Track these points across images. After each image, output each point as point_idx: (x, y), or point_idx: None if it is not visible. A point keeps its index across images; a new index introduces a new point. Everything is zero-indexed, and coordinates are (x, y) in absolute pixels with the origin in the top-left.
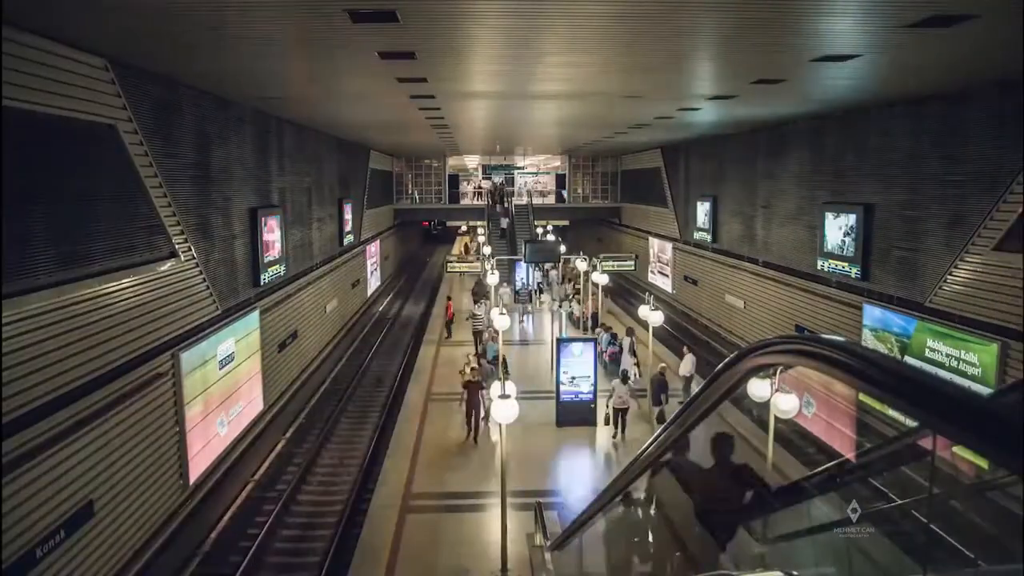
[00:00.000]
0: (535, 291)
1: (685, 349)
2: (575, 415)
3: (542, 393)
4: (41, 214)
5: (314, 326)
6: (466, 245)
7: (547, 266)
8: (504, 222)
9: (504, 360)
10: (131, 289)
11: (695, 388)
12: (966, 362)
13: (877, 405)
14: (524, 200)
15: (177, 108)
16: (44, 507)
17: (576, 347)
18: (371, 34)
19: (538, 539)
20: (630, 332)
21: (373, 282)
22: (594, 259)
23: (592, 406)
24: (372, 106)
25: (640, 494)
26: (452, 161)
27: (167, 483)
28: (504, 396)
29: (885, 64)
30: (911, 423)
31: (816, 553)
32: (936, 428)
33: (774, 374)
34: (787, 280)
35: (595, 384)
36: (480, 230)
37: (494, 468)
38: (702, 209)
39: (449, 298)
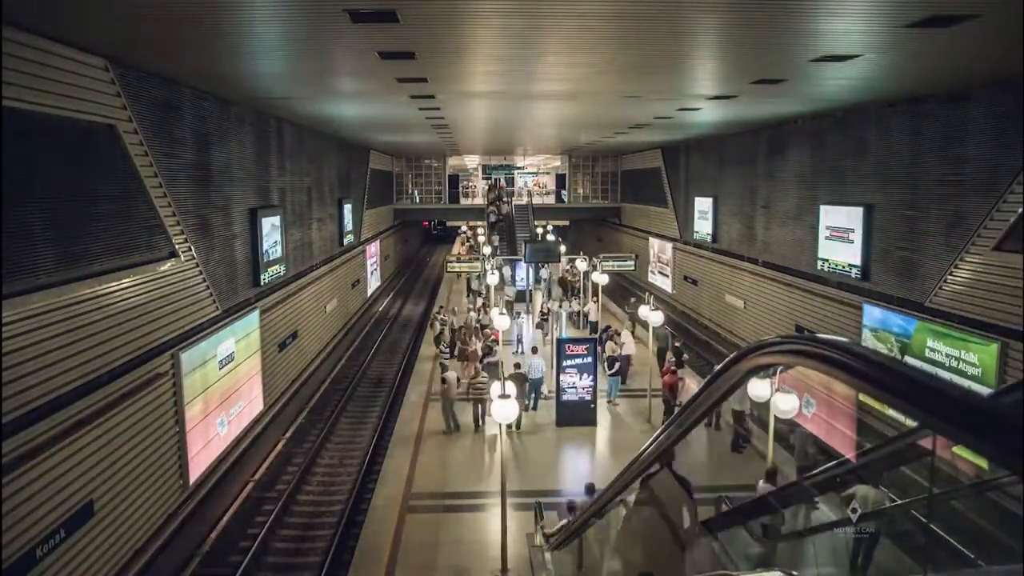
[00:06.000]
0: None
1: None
2: (575, 415)
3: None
4: (41, 214)
5: (314, 326)
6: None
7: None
8: None
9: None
10: (131, 289)
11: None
12: (966, 362)
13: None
14: (524, 200)
15: (177, 108)
16: (44, 507)
17: (576, 347)
18: (371, 34)
19: (538, 539)
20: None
21: (373, 282)
22: (594, 259)
23: (592, 406)
24: (372, 106)
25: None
26: (452, 161)
27: (167, 483)
28: (504, 396)
29: (885, 64)
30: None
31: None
32: (936, 428)
33: (774, 374)
34: (787, 280)
35: (595, 384)
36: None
37: (494, 468)
38: (702, 209)
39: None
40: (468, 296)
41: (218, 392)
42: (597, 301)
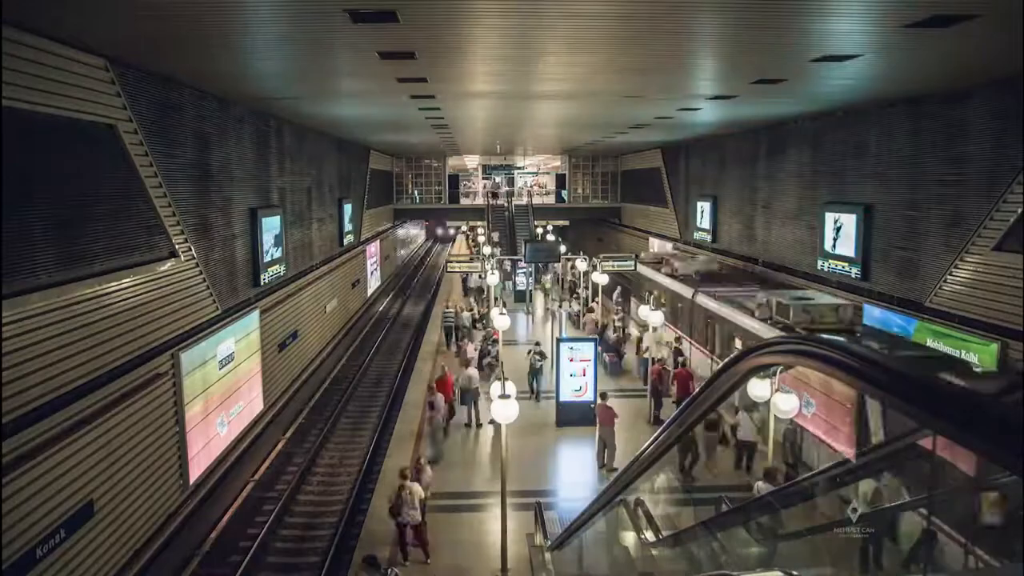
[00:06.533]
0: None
1: None
2: (575, 415)
3: (542, 393)
4: (41, 214)
5: (314, 326)
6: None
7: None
8: None
9: None
10: (131, 289)
11: None
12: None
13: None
14: (524, 200)
15: (177, 108)
16: (44, 507)
17: (576, 347)
18: (371, 34)
19: (538, 539)
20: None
21: (373, 282)
22: (594, 259)
23: (592, 406)
24: (372, 106)
25: None
26: (452, 161)
27: (167, 483)
28: (504, 396)
29: (885, 64)
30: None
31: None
32: (936, 428)
33: (774, 374)
34: (787, 280)
35: (595, 384)
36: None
37: (494, 468)
38: (702, 209)
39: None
40: (464, 295)
41: (218, 392)
42: (598, 303)
